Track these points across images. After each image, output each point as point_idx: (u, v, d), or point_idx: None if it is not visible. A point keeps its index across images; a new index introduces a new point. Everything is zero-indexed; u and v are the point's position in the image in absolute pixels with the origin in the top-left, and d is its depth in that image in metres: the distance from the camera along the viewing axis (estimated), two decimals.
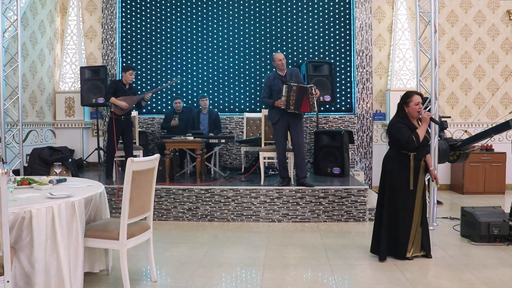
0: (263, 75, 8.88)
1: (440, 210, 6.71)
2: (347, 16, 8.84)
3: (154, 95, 9.03)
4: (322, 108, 8.58)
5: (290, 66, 7.33)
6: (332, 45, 8.85)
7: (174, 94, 8.94)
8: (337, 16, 8.85)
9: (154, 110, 9.09)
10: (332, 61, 8.56)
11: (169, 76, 9.01)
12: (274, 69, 6.48)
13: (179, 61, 9.02)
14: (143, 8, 9.05)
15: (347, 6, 8.83)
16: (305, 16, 8.87)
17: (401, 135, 4.27)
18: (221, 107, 8.96)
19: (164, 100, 9.07)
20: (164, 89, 8.94)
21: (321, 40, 8.86)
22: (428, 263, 4.39)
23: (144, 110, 8.65)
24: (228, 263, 4.45)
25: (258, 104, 8.89)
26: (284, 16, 8.91)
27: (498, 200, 7.55)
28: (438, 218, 6.07)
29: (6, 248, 2.73)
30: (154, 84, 9.02)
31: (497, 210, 5.18)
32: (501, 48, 8.76)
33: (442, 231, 5.65)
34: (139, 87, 8.96)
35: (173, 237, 5.45)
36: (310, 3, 8.87)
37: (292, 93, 6.05)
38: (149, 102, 9.03)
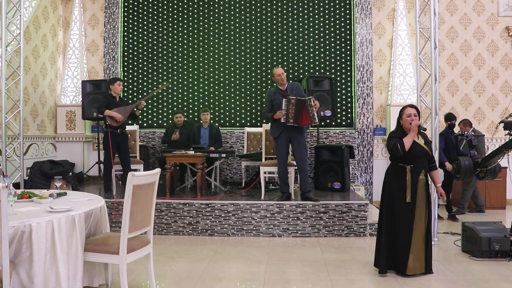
0: (264, 89, 8.92)
1: (441, 225, 6.69)
2: (348, 32, 8.91)
3: (154, 109, 9.08)
4: (322, 123, 8.59)
5: (290, 81, 7.34)
6: (332, 60, 8.91)
7: (175, 108, 8.97)
8: (338, 31, 8.93)
9: (155, 124, 9.11)
10: (333, 76, 8.61)
11: (170, 90, 9.06)
12: (275, 84, 6.48)
13: (180, 75, 9.07)
14: (145, 22, 9.13)
15: (348, 21, 8.91)
16: (306, 32, 8.95)
17: (389, 143, 4.39)
18: (222, 121, 8.99)
19: (165, 114, 9.10)
20: (153, 97, 8.97)
21: (322, 55, 8.93)
22: (429, 278, 4.35)
23: (140, 122, 8.66)
24: (228, 278, 4.42)
25: (259, 118, 8.92)
26: (285, 31, 8.98)
27: (499, 216, 7.52)
28: (439, 233, 6.05)
29: (6, 262, 2.72)
30: (155, 99, 9.07)
31: (498, 225, 5.16)
32: (500, 64, 8.81)
33: (443, 246, 5.62)
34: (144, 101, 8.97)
35: (173, 252, 5.42)
36: (311, 19, 8.95)
37: (291, 106, 6.06)
38: (149, 116, 9.07)
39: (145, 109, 9.03)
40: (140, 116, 8.41)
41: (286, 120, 6.08)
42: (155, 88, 8.60)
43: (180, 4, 9.11)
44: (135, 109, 6.80)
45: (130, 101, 8.75)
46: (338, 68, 8.90)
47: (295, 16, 8.98)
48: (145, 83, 9.07)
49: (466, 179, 6.40)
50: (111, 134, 6.58)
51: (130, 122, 8.49)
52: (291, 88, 6.32)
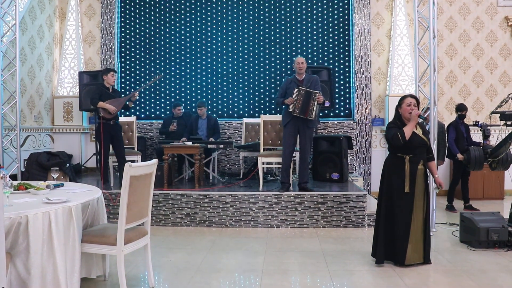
0: (262, 80, 8.89)
1: (439, 215, 6.69)
2: (346, 22, 8.85)
3: (152, 100, 9.04)
4: (321, 114, 8.59)
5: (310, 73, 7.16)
6: (331, 50, 8.86)
7: (173, 100, 8.93)
8: (336, 22, 8.87)
9: (152, 116, 9.07)
10: (331, 66, 8.57)
11: (167, 81, 9.01)
12: (294, 72, 6.52)
13: (178, 66, 9.02)
14: (142, 13, 9.06)
15: (346, 12, 8.85)
16: (304, 22, 8.89)
17: (388, 133, 4.37)
18: (219, 112, 8.96)
19: (162, 105, 9.06)
20: (150, 88, 8.96)
21: (320, 45, 8.88)
22: (427, 269, 4.36)
23: (137, 113, 8.61)
24: (226, 269, 4.42)
25: (257, 109, 8.90)
26: (283, 22, 8.92)
27: (497, 206, 7.54)
28: (437, 224, 6.05)
29: (2, 254, 2.70)
30: (153, 89, 9.03)
31: (496, 215, 5.17)
32: (499, 54, 8.78)
33: (441, 237, 5.63)
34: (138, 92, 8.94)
35: (171, 243, 5.42)
36: (309, 9, 8.89)
37: (299, 97, 6.12)
38: (147, 107, 9.03)
39: (142, 100, 9.00)
40: (133, 106, 8.33)
41: (293, 110, 6.14)
42: (147, 81, 8.52)
43: None
44: (128, 101, 6.78)
45: (126, 92, 8.71)
46: (336, 58, 8.86)
47: (293, 7, 8.91)
48: (142, 74, 9.03)
49: (477, 169, 6.44)
50: (104, 125, 6.56)
51: (126, 113, 8.48)
52: (308, 80, 6.36)
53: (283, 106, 6.42)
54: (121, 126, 7.07)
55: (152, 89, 9.03)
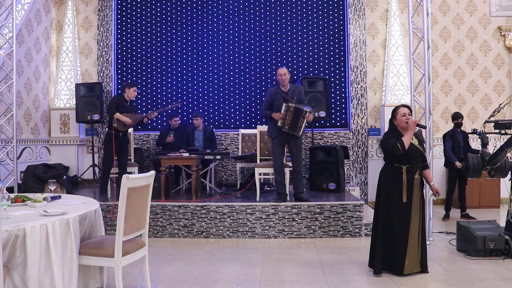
0: (258, 91, 8.93)
1: (435, 224, 6.70)
2: (342, 33, 8.93)
3: (149, 111, 9.03)
4: (317, 124, 8.62)
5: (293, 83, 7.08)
6: (327, 61, 8.93)
7: (169, 111, 8.94)
8: (331, 32, 8.95)
9: (149, 127, 9.08)
10: (327, 77, 8.62)
11: (164, 93, 9.04)
12: (275, 83, 6.46)
13: (174, 77, 9.06)
14: (139, 25, 9.11)
15: (342, 22, 8.93)
16: (300, 33, 8.96)
17: (387, 144, 4.37)
18: (216, 123, 8.98)
19: (159, 116, 9.06)
20: (147, 100, 9.04)
21: (316, 56, 8.94)
22: (424, 278, 4.36)
23: (139, 127, 8.64)
24: (224, 280, 4.42)
25: (253, 120, 8.92)
26: (279, 33, 8.99)
27: (493, 214, 7.54)
28: (434, 233, 6.06)
29: None
30: (149, 101, 9.06)
31: (493, 224, 5.19)
32: (493, 63, 8.85)
33: (438, 246, 5.63)
34: (134, 104, 8.95)
35: (169, 254, 5.41)
36: (305, 20, 8.96)
37: (288, 114, 6.07)
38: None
39: (139, 111, 9.01)
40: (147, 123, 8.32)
41: (282, 125, 6.11)
42: (165, 106, 8.37)
43: (174, 6, 9.11)
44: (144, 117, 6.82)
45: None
46: (332, 69, 8.92)
47: (289, 18, 8.99)
48: (139, 85, 9.02)
49: (475, 177, 6.48)
50: (114, 137, 6.54)
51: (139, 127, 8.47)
52: (293, 91, 6.28)
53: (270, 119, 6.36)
54: (128, 138, 7.06)
55: (149, 101, 9.05)
